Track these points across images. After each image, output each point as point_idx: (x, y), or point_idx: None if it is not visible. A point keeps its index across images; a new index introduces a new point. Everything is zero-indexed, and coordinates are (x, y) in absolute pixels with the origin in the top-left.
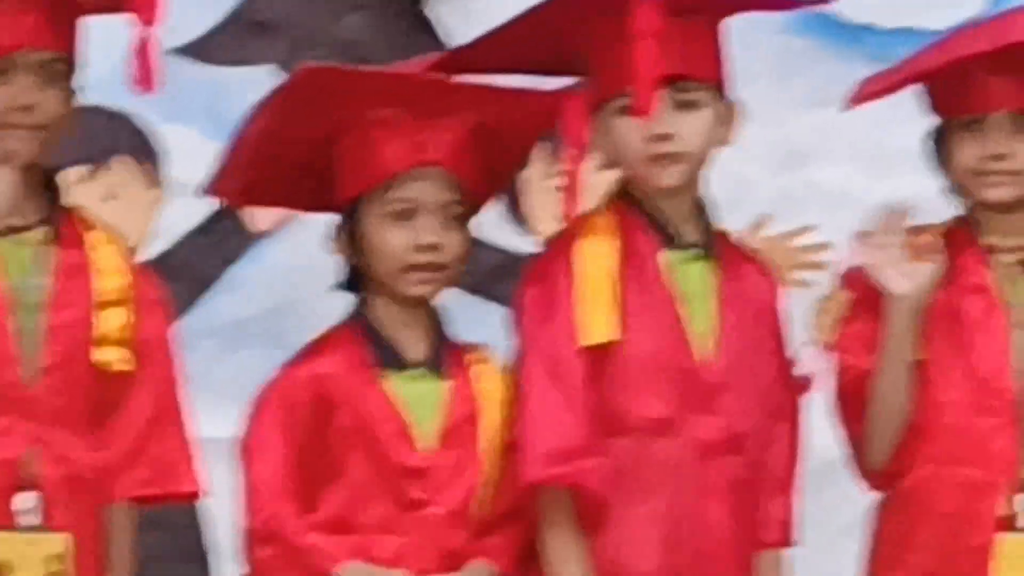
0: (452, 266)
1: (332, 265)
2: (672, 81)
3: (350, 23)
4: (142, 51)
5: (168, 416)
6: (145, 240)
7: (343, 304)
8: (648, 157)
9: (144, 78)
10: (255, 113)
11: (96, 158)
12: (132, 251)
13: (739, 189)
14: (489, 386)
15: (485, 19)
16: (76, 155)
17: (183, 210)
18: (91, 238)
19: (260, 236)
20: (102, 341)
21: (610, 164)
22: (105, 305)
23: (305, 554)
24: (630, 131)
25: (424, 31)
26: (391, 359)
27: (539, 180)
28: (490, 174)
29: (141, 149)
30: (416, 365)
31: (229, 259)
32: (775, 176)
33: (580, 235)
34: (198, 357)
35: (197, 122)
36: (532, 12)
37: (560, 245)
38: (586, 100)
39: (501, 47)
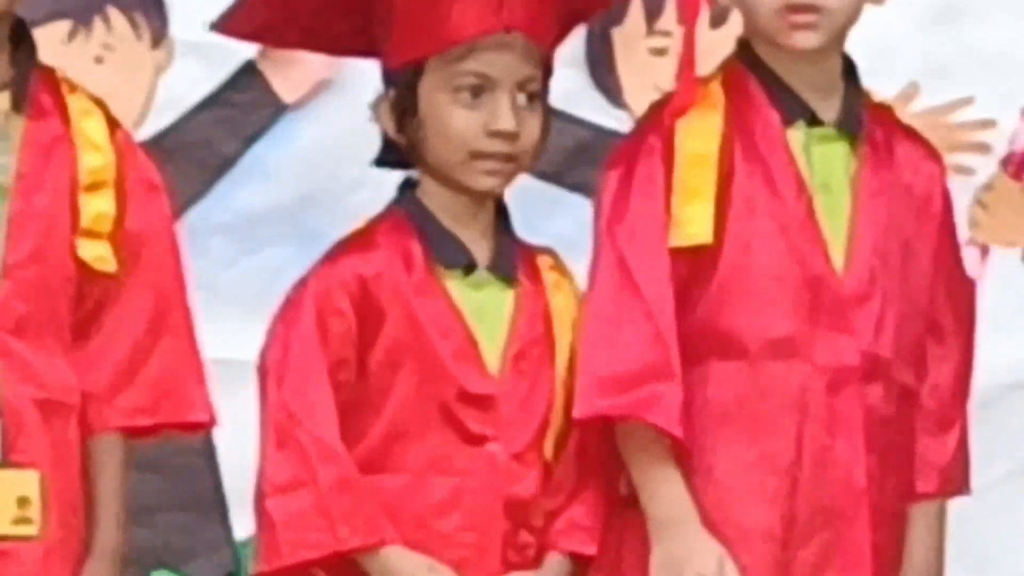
0: (526, 155)
1: (376, 147)
2: None
3: None
4: None
5: (169, 327)
6: (146, 112)
7: (390, 195)
8: (782, 9)
9: None
10: None
11: (86, 10)
12: (120, 123)
13: (880, 53)
14: (566, 299)
15: None
16: (61, 6)
17: (193, 74)
18: (71, 106)
19: (290, 109)
20: (84, 233)
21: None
22: (87, 189)
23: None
24: None
25: None
26: (453, 257)
27: (633, 41)
28: (564, 30)
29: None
30: (481, 268)
31: (252, 137)
32: (924, 36)
33: (684, 107)
34: (210, 259)
35: None
36: None
37: (656, 120)
38: None
39: None
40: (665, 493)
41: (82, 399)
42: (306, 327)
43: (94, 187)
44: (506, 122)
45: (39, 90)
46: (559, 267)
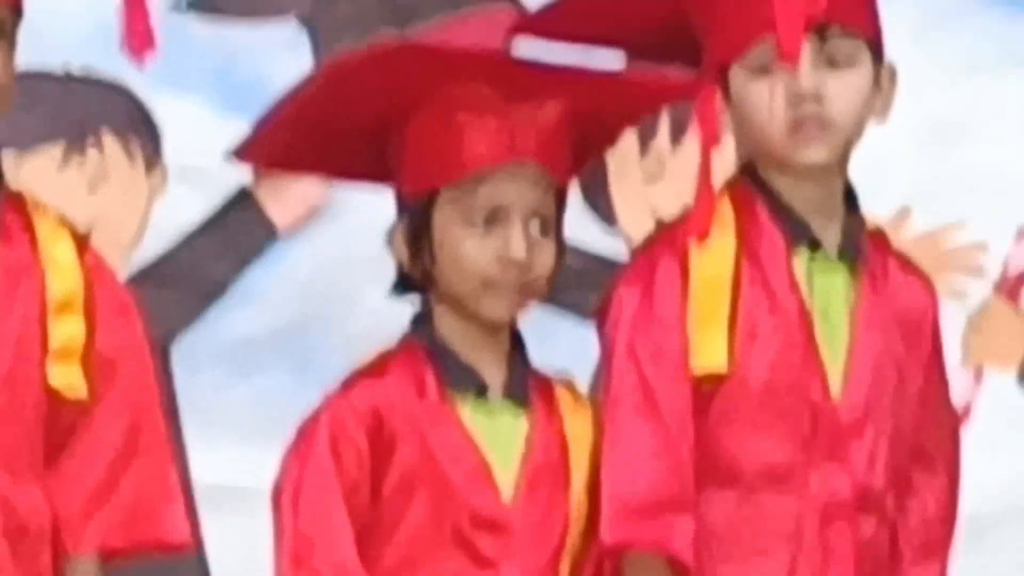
0: (539, 283)
1: (370, 272)
2: (819, 31)
3: None
4: (133, 6)
5: (143, 448)
6: (139, 237)
7: (385, 320)
8: (788, 124)
9: (138, 38)
10: (307, 81)
11: (80, 134)
12: (89, 244)
13: (874, 174)
14: (582, 426)
15: None
16: (56, 130)
17: (187, 200)
18: (39, 229)
19: (283, 234)
20: (54, 357)
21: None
22: (56, 312)
23: None
24: (763, 94)
25: None
26: (468, 384)
27: (627, 163)
28: (579, 160)
29: (136, 124)
30: (496, 394)
31: (244, 263)
32: (919, 157)
33: (705, 230)
34: (203, 384)
35: (204, 91)
36: None
37: (670, 238)
38: (711, 78)
39: (585, 9)
40: None
41: (56, 522)
42: (320, 455)
43: (63, 310)
44: (518, 251)
45: (7, 214)
46: (575, 394)
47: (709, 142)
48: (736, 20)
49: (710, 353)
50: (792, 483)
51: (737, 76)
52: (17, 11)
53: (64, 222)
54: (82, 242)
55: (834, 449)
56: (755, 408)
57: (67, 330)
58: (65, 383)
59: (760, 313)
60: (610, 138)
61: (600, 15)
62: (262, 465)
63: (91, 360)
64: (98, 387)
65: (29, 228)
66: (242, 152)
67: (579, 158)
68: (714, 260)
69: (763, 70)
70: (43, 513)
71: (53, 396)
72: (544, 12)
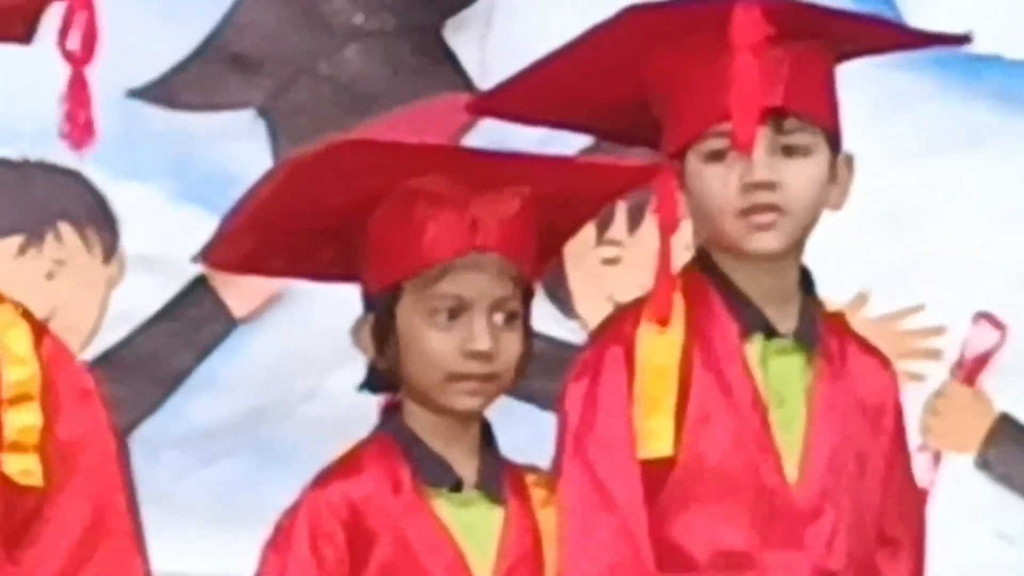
0: (506, 375)
1: (329, 358)
2: (776, 119)
3: (349, 56)
4: (76, 98)
5: (107, 533)
6: (98, 326)
7: (346, 408)
8: (742, 211)
9: (77, 131)
10: (266, 180)
11: (38, 225)
12: (47, 330)
13: (831, 259)
14: (552, 517)
15: (520, 51)
16: (13, 218)
17: (143, 290)
18: None
19: (242, 322)
20: (9, 447)
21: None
22: (11, 402)
23: None
24: (716, 180)
25: (442, 62)
26: (440, 478)
27: (583, 250)
28: (540, 256)
29: (93, 213)
30: (469, 486)
31: (203, 350)
32: (877, 240)
33: (664, 318)
34: (163, 471)
35: (160, 181)
36: (590, 38)
37: (617, 329)
38: (671, 163)
39: (546, 87)
40: None
41: None
42: (299, 552)
43: (18, 400)
44: (482, 343)
45: None
46: (545, 484)
47: (667, 227)
48: (693, 106)
49: (655, 438)
50: (748, 568)
51: (692, 161)
52: None
53: (21, 311)
54: (40, 330)
55: (791, 534)
56: (709, 493)
57: (23, 419)
58: (19, 470)
59: (712, 399)
60: (574, 227)
61: (559, 95)
62: (222, 553)
63: (51, 447)
64: (60, 474)
65: None
66: (207, 256)
67: (546, 249)
68: (661, 348)
69: (718, 156)
70: None
71: (8, 484)
72: (500, 91)
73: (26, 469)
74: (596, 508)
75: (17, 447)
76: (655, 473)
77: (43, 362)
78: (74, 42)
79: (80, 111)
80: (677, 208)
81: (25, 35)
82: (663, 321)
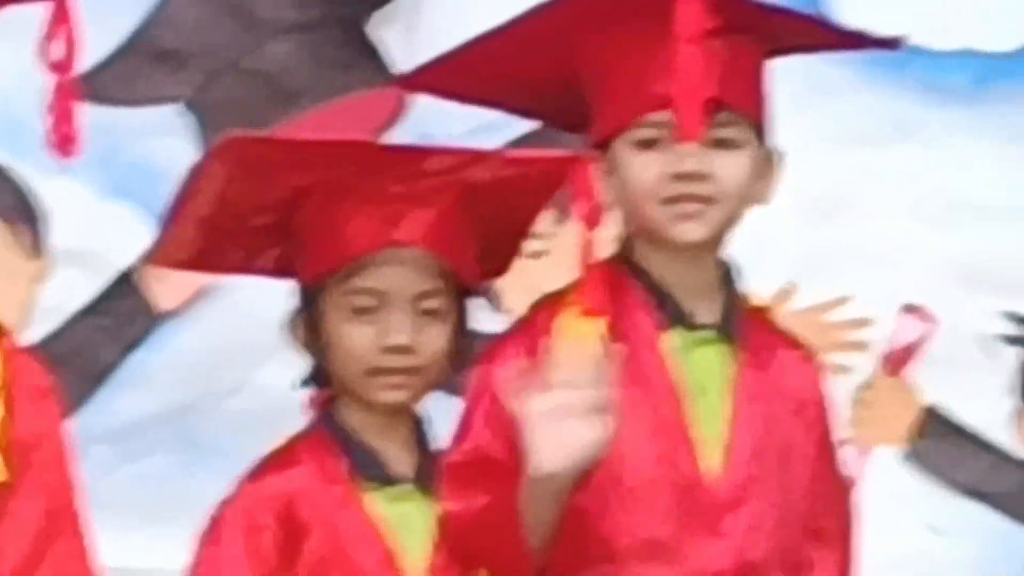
0: (430, 368)
1: (256, 352)
2: (707, 111)
3: (275, 50)
4: (61, 108)
5: (61, 529)
6: (23, 320)
7: (272, 401)
8: (668, 199)
9: (64, 141)
10: (192, 175)
11: None
12: (5, 330)
13: (757, 249)
14: None
15: (449, 43)
16: None
17: (71, 284)
18: None
19: (167, 316)
20: None
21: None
22: None
23: None
24: (646, 169)
25: (367, 56)
26: (373, 472)
27: None
28: (483, 253)
29: (17, 209)
30: (402, 481)
31: (129, 345)
32: (802, 231)
33: (558, 310)
34: (90, 466)
35: (87, 176)
36: (529, 16)
37: (530, 323)
38: (590, 154)
39: (476, 65)
40: None
41: None
42: (233, 544)
43: None
44: (399, 336)
45: None
46: None
47: (587, 219)
48: (626, 93)
49: None
50: (667, 557)
51: (621, 149)
52: None
53: None
54: None
55: (710, 524)
56: (629, 485)
57: None
58: None
59: (629, 392)
60: (519, 227)
61: (494, 72)
62: (153, 547)
63: (9, 443)
64: (16, 471)
65: None
66: (157, 258)
67: (493, 249)
68: (580, 340)
69: (648, 144)
70: None
71: None
72: (434, 66)
73: None
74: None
75: None
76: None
77: (2, 360)
78: (57, 52)
79: (66, 121)
80: (596, 200)
81: None
82: (591, 312)
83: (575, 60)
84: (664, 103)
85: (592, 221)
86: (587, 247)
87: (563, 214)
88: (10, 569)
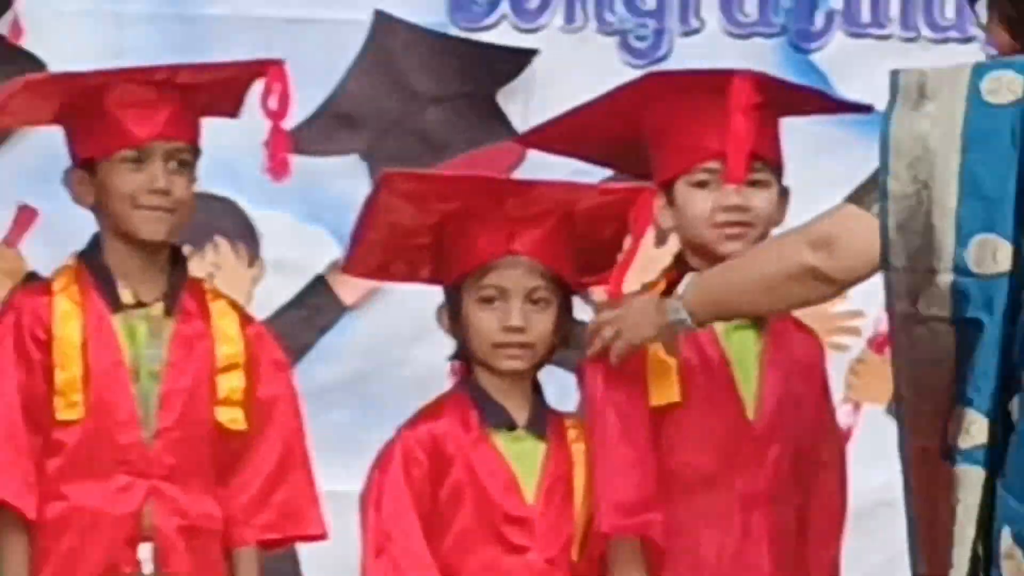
0: (539, 344)
1: (414, 335)
2: (749, 161)
3: (428, 115)
4: (276, 143)
5: (293, 465)
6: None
7: (427, 373)
8: (717, 224)
9: (278, 167)
10: (368, 205)
11: (200, 239)
12: (253, 320)
13: None
14: (582, 451)
15: (555, 112)
16: (184, 235)
17: (278, 286)
18: (212, 309)
19: (349, 309)
20: (220, 402)
21: (669, 237)
22: (222, 370)
23: None
24: (703, 202)
25: (497, 120)
26: (498, 420)
27: None
28: (582, 259)
29: (240, 230)
30: (519, 427)
31: (322, 329)
32: None
33: (612, 292)
34: None
35: (290, 207)
36: (613, 92)
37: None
38: (656, 186)
39: (571, 128)
40: None
41: (225, 523)
42: (395, 472)
43: (228, 368)
44: (514, 320)
45: (187, 298)
46: (578, 426)
47: (638, 234)
48: (689, 146)
49: (667, 389)
50: (719, 484)
51: (681, 187)
52: (197, 151)
53: (233, 304)
54: (247, 319)
55: (751, 457)
56: (692, 430)
57: (231, 383)
58: (228, 419)
59: (691, 362)
60: (611, 244)
61: (584, 134)
62: (341, 475)
63: (252, 403)
64: (258, 421)
65: (204, 309)
66: (346, 268)
67: (593, 260)
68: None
69: (701, 184)
70: (215, 518)
71: (221, 429)
72: (541, 130)
73: (233, 418)
74: (623, 442)
75: (227, 402)
76: (663, 417)
77: (248, 341)
78: (272, 104)
79: (280, 153)
80: (649, 220)
81: (234, 110)
82: (612, 294)
83: (643, 124)
84: (718, 155)
85: (640, 235)
86: (631, 252)
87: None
88: (254, 493)
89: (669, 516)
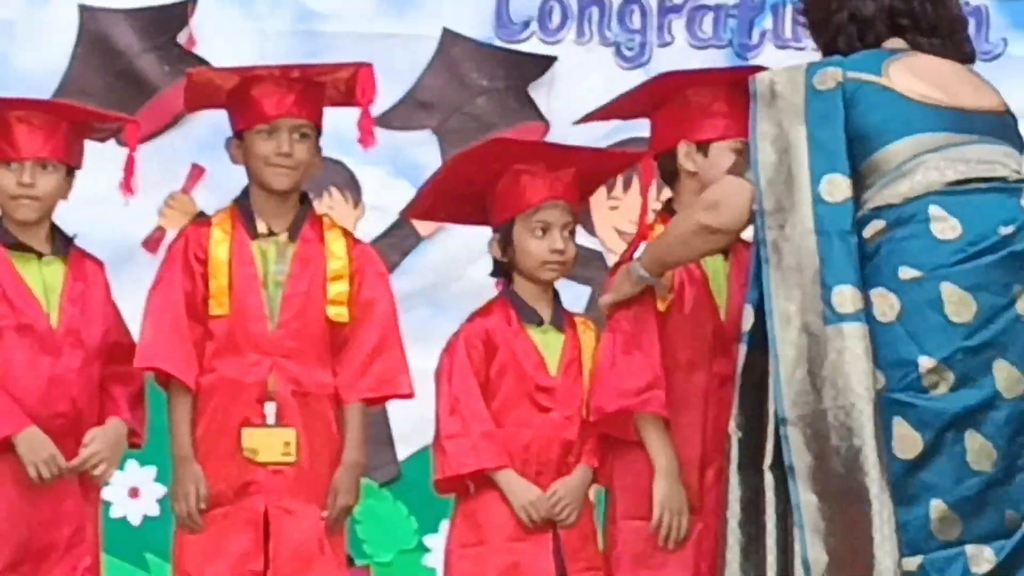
0: (569, 263)
1: (469, 257)
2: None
3: (481, 102)
4: (365, 122)
5: (388, 344)
6: None
7: (476, 284)
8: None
9: (366, 138)
10: (440, 168)
11: (318, 188)
12: (360, 242)
13: None
14: (589, 339)
15: (571, 102)
16: (309, 185)
17: (375, 221)
18: (327, 235)
19: (424, 238)
20: (330, 302)
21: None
22: (331, 279)
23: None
24: (710, 165)
25: (529, 106)
26: (531, 318)
27: (599, 200)
28: (583, 200)
29: (346, 181)
30: (545, 322)
31: (404, 253)
32: None
33: (643, 236)
34: None
35: (380, 166)
36: (636, 88)
37: (631, 249)
38: (652, 154)
39: (608, 114)
40: (666, 451)
41: (338, 387)
42: (460, 354)
43: (336, 278)
44: (560, 245)
45: (307, 229)
46: (587, 322)
47: (646, 188)
48: (670, 124)
49: (662, 300)
50: (705, 368)
51: (684, 151)
52: (318, 127)
53: (345, 232)
54: (353, 240)
55: (724, 347)
56: (683, 328)
57: (337, 288)
58: (335, 314)
59: (684, 281)
60: (596, 187)
61: (613, 109)
62: (418, 356)
63: (356, 302)
64: (362, 314)
65: (320, 235)
66: (407, 213)
67: (584, 197)
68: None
69: (704, 151)
70: (326, 384)
71: (331, 322)
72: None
73: (339, 313)
74: (634, 338)
75: (334, 302)
76: (665, 319)
77: (352, 257)
78: (362, 94)
79: (369, 126)
80: (653, 179)
81: (344, 99)
82: (643, 236)
83: (655, 100)
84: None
85: (647, 184)
86: (645, 203)
87: (627, 186)
88: (359, 364)
89: (668, 390)
